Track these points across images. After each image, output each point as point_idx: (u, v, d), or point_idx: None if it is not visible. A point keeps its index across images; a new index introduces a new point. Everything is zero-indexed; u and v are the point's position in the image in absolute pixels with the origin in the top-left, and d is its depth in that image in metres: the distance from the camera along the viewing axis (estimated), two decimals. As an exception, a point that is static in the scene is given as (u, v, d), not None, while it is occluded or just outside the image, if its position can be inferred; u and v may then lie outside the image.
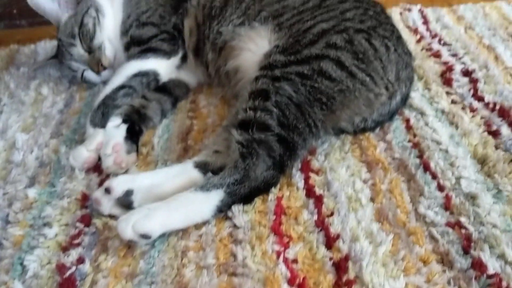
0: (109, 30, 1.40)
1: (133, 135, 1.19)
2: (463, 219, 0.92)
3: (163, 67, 1.32)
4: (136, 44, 1.34)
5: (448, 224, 0.92)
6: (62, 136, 1.26)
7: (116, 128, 1.18)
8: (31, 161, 1.18)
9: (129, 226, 0.89)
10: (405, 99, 1.21)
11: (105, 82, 1.36)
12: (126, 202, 0.98)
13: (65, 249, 0.94)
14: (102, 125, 1.19)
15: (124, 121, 1.20)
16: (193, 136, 1.22)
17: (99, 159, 1.14)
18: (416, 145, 1.13)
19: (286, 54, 1.10)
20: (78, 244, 0.95)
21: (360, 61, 1.09)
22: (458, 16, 1.69)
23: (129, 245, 0.93)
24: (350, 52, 1.09)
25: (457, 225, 0.91)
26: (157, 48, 1.32)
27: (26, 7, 2.07)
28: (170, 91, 1.34)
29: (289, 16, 1.21)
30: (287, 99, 1.03)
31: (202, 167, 1.04)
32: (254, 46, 1.19)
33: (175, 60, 1.35)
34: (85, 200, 1.04)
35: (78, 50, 1.38)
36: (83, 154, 1.13)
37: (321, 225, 0.94)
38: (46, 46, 1.71)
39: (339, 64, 1.07)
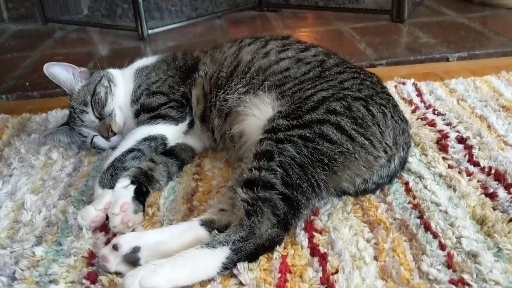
0: (120, 99, 1.48)
1: (140, 196, 1.22)
2: (466, 276, 0.93)
3: (171, 132, 1.38)
4: (146, 111, 1.41)
5: (451, 281, 0.93)
6: (70, 197, 1.29)
7: (124, 189, 1.21)
8: (39, 221, 1.20)
9: (136, 281, 0.90)
10: (403, 163, 1.26)
11: (113, 148, 1.41)
12: (133, 259, 0.99)
13: (70, 305, 0.94)
14: (111, 186, 1.23)
15: (132, 182, 1.24)
16: (198, 197, 1.25)
17: (107, 219, 1.17)
18: (416, 206, 1.16)
19: (288, 119, 1.16)
20: (84, 301, 0.95)
21: (359, 125, 1.15)
22: (450, 89, 1.78)
23: (135, 302, 0.92)
24: (349, 118, 1.15)
25: (460, 282, 0.93)
26: (166, 115, 1.38)
27: (37, 80, 2.21)
28: (177, 155, 1.38)
29: (291, 85, 1.29)
30: (291, 160, 1.07)
31: (208, 224, 1.06)
32: (258, 112, 1.26)
33: (183, 126, 1.41)
34: (91, 258, 1.05)
35: (90, 116, 1.45)
36: (91, 213, 1.15)
37: (326, 282, 0.95)
38: (57, 115, 1.78)
39: (339, 128, 1.13)
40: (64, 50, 2.65)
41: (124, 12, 3.06)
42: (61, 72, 1.50)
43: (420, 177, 1.26)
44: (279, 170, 1.06)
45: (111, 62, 1.63)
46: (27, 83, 2.21)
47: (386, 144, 1.17)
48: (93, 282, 0.99)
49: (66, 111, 1.73)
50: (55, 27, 3.09)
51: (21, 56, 2.60)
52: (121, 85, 1.51)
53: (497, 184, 1.21)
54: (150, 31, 2.72)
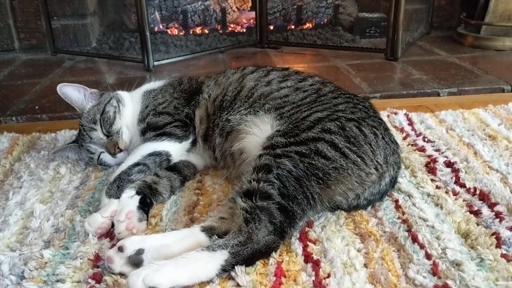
0: (127, 118, 1.57)
1: (145, 206, 1.29)
2: (450, 282, 1.00)
3: (175, 149, 1.47)
4: (152, 129, 1.50)
5: (436, 287, 0.99)
6: (77, 207, 1.36)
7: (130, 199, 1.29)
8: (47, 228, 1.26)
9: (140, 279, 0.97)
10: (393, 181, 1.33)
11: (119, 164, 1.49)
12: (137, 261, 1.05)
13: (76, 302, 0.99)
14: (117, 196, 1.30)
15: (137, 193, 1.31)
16: (199, 209, 1.32)
17: (112, 226, 1.23)
18: (404, 221, 1.23)
19: (286, 137, 1.25)
20: (89, 298, 1.00)
21: (351, 144, 1.23)
22: (440, 119, 1.88)
23: (138, 300, 0.98)
24: (342, 136, 1.24)
25: (444, 287, 0.99)
26: (171, 133, 1.47)
27: (47, 104, 2.31)
28: (180, 171, 1.46)
29: (289, 108, 1.38)
30: (287, 173, 1.15)
31: (208, 231, 1.13)
32: (258, 130, 1.35)
33: (186, 144, 1.50)
34: (97, 260, 1.12)
35: (98, 134, 1.53)
36: (98, 219, 1.22)
37: (319, 285, 1.01)
38: (66, 135, 1.87)
39: (333, 145, 1.21)
40: (72, 78, 2.76)
41: (131, 45, 3.19)
42: (73, 92, 1.60)
43: (409, 196, 1.34)
44: (276, 182, 1.14)
45: (118, 89, 1.72)
46: (37, 107, 2.30)
47: (377, 162, 1.25)
48: (98, 281, 1.05)
49: (74, 131, 1.82)
50: (64, 58, 3.22)
51: (31, 82, 2.71)
52: (129, 106, 1.60)
53: (482, 203, 1.29)
54: (155, 63, 2.84)
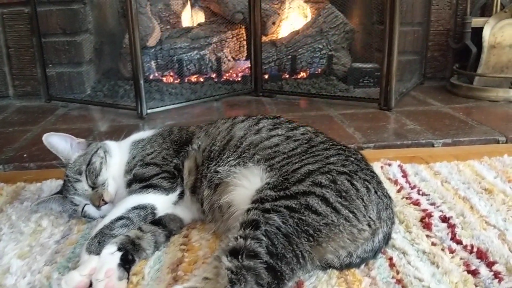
0: (114, 169, 1.53)
1: (126, 263, 1.23)
2: None
3: (161, 202, 1.42)
4: (138, 181, 1.45)
5: None
6: (56, 263, 1.29)
7: (110, 255, 1.22)
8: (22, 286, 1.19)
9: None
10: (387, 238, 1.28)
11: (103, 217, 1.43)
12: (113, 324, 0.99)
13: None
14: (97, 252, 1.24)
15: (119, 249, 1.25)
16: (183, 267, 1.26)
17: (90, 285, 1.16)
18: (399, 281, 1.17)
19: (276, 190, 1.20)
20: None
21: (343, 198, 1.19)
22: (435, 171, 1.85)
23: None
24: (334, 191, 1.19)
25: None
26: (157, 185, 1.42)
27: (36, 152, 2.28)
28: (165, 225, 1.40)
29: (280, 159, 1.35)
30: (276, 229, 1.10)
31: (192, 293, 1.06)
32: (247, 182, 1.30)
33: (173, 196, 1.45)
34: (71, 323, 1.04)
35: (83, 185, 1.48)
36: (76, 278, 1.15)
37: None
38: (52, 185, 1.82)
39: (324, 200, 1.17)
40: (65, 126, 2.74)
41: (126, 92, 3.19)
42: (59, 142, 1.56)
43: (404, 253, 1.28)
44: (264, 239, 1.08)
45: (109, 138, 1.70)
46: (25, 155, 2.26)
47: (370, 218, 1.20)
48: None
49: (60, 181, 1.77)
50: (58, 105, 3.21)
51: (22, 130, 2.69)
52: (117, 156, 1.57)
53: (479, 262, 1.23)
54: (149, 111, 2.83)
